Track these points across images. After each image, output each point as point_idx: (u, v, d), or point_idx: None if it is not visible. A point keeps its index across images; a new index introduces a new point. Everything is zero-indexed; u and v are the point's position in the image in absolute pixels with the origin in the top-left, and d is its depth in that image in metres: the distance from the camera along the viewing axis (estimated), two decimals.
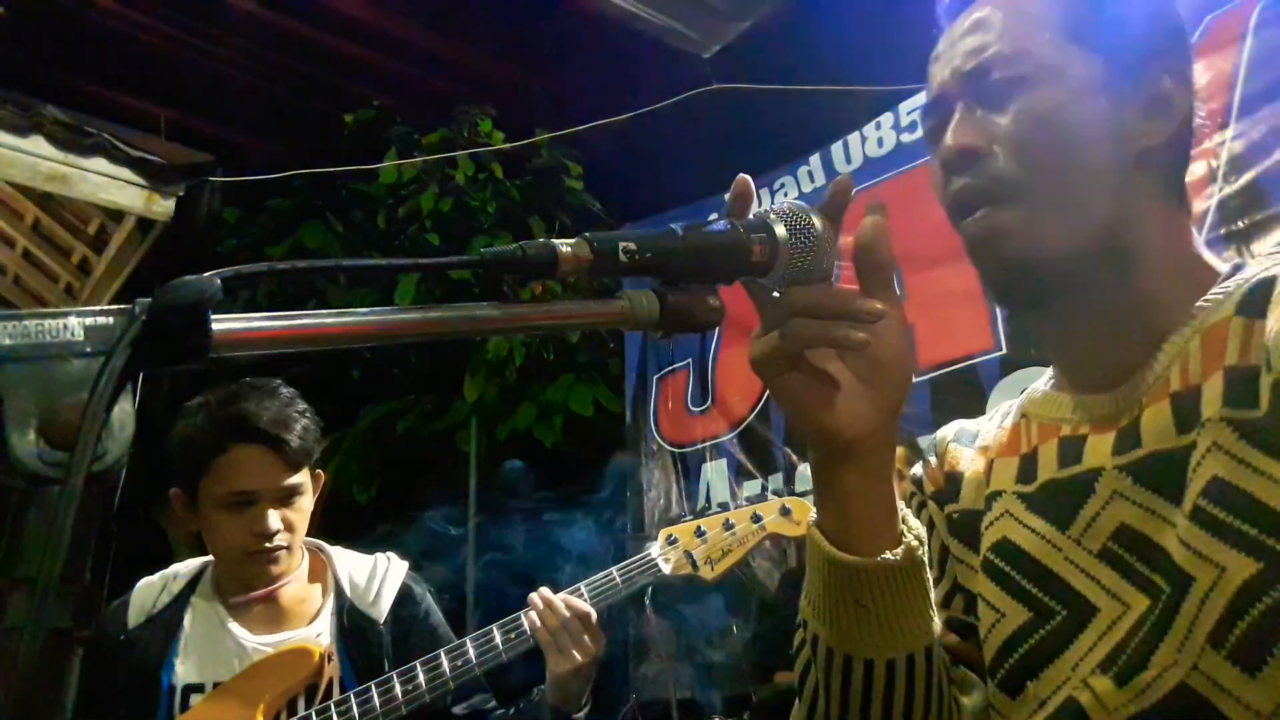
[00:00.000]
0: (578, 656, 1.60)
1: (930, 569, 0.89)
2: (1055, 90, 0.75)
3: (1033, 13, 0.78)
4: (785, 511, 1.83)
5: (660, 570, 1.74)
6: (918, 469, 0.95)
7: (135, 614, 1.66)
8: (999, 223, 0.76)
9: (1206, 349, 0.70)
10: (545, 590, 1.67)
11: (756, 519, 1.81)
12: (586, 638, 1.62)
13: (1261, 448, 0.64)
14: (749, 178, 0.68)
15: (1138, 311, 0.76)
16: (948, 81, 0.80)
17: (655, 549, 1.76)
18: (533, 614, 1.65)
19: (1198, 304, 0.73)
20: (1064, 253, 0.75)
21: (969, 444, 0.91)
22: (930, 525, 0.91)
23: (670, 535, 1.79)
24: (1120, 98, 0.76)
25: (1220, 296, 0.72)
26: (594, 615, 1.65)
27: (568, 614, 1.63)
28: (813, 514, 0.77)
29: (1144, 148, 0.76)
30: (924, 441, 1.00)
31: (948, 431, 0.95)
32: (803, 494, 1.97)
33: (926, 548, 0.82)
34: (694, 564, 1.76)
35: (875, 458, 0.73)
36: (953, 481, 0.90)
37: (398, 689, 1.58)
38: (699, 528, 1.80)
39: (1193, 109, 0.79)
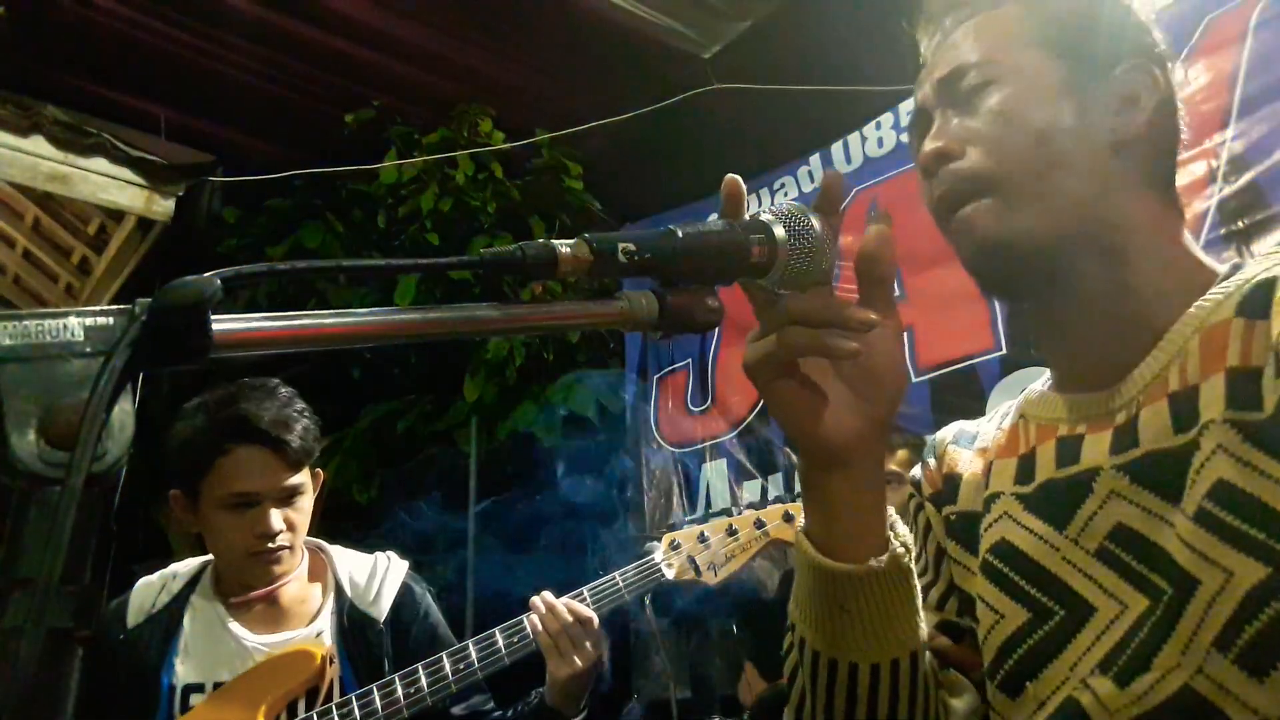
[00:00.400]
0: (578, 662, 1.59)
1: (926, 571, 0.89)
2: (1023, 89, 0.79)
3: (1003, 27, 0.82)
4: (789, 518, 1.83)
5: (664, 576, 1.74)
6: (916, 471, 0.95)
7: (135, 614, 1.66)
8: (977, 210, 0.78)
9: (1206, 349, 0.70)
10: (548, 594, 1.67)
11: (760, 525, 1.81)
12: (588, 643, 1.61)
13: (1266, 450, 0.64)
14: (738, 178, 0.69)
15: (1130, 307, 0.77)
16: (926, 93, 0.85)
17: (659, 554, 1.75)
18: (534, 617, 1.65)
19: (1197, 303, 0.73)
20: (1043, 234, 0.77)
21: (968, 445, 0.91)
22: (928, 527, 0.91)
23: (674, 540, 1.78)
24: (1087, 96, 0.78)
25: (1220, 296, 0.72)
26: (596, 620, 1.64)
27: (570, 618, 1.62)
28: (801, 519, 0.77)
29: (1117, 140, 0.78)
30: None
31: (946, 433, 0.95)
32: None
33: (922, 552, 0.82)
34: (697, 570, 1.76)
35: (863, 466, 0.73)
36: (951, 483, 0.90)
37: (399, 691, 1.58)
38: (702, 533, 1.79)
39: (1167, 105, 0.81)
